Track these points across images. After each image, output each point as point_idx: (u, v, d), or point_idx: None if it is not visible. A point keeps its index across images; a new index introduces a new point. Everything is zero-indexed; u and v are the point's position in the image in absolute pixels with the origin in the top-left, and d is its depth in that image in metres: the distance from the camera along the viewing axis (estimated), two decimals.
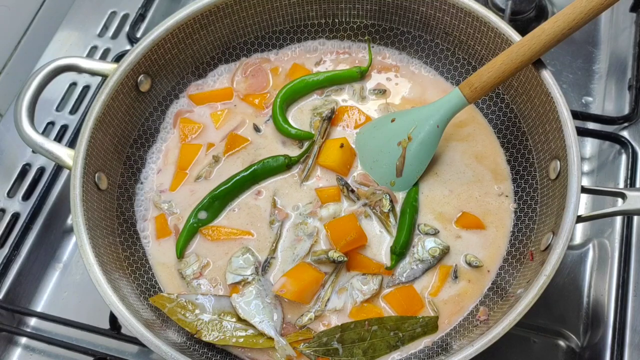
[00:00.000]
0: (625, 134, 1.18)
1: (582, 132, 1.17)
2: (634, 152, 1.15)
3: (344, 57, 1.19)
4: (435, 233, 1.03)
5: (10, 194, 1.21)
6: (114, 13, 1.41)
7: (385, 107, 1.14)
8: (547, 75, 0.96)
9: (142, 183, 1.10)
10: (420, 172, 1.06)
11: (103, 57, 1.35)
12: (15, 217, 1.18)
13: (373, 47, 1.18)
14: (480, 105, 1.13)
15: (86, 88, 1.32)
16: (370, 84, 1.17)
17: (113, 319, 1.04)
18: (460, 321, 0.97)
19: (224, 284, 1.01)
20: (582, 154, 1.20)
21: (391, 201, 1.04)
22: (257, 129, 1.13)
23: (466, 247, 1.02)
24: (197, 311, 0.96)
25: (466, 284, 1.00)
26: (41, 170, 1.22)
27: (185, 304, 0.97)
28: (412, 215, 1.03)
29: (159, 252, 1.05)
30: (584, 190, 0.91)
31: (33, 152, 1.23)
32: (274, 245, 1.03)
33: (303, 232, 1.03)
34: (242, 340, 0.95)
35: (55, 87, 1.27)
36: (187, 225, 1.04)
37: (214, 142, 1.13)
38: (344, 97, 1.16)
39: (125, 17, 1.40)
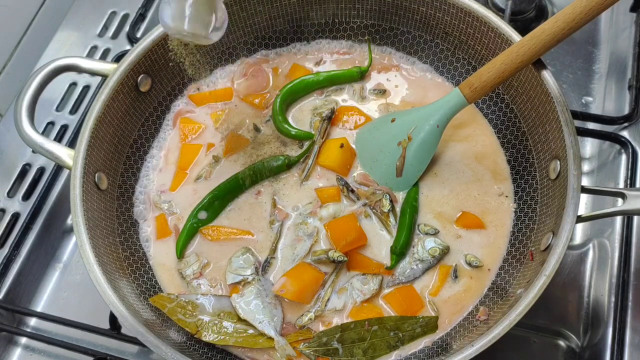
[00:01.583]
0: (625, 134, 1.18)
1: (582, 132, 1.17)
2: (634, 152, 1.15)
3: (344, 57, 1.19)
4: (435, 233, 1.03)
5: (10, 194, 1.21)
6: (114, 13, 1.41)
7: (385, 107, 1.14)
8: (547, 75, 0.96)
9: (142, 183, 1.10)
10: (420, 172, 1.06)
11: (103, 57, 1.35)
12: (15, 217, 1.18)
13: (373, 47, 1.18)
14: (480, 105, 1.14)
15: (86, 88, 1.32)
16: (370, 84, 1.17)
17: (113, 319, 1.04)
18: (460, 321, 0.98)
19: (224, 284, 1.01)
20: (582, 154, 1.20)
21: (391, 201, 1.04)
22: (257, 129, 1.13)
23: (466, 247, 1.02)
24: (197, 311, 0.96)
25: (466, 284, 1.00)
26: (41, 170, 1.22)
27: (185, 304, 0.97)
28: (412, 215, 1.03)
29: (159, 252, 1.05)
30: (584, 190, 0.91)
31: (33, 152, 1.23)
32: (274, 245, 1.03)
33: (303, 232, 1.03)
34: (242, 340, 0.95)
35: (55, 87, 1.27)
36: (187, 225, 1.04)
37: (214, 142, 1.13)
38: (344, 97, 1.16)
39: (125, 17, 1.40)
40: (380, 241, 1.03)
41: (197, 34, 0.91)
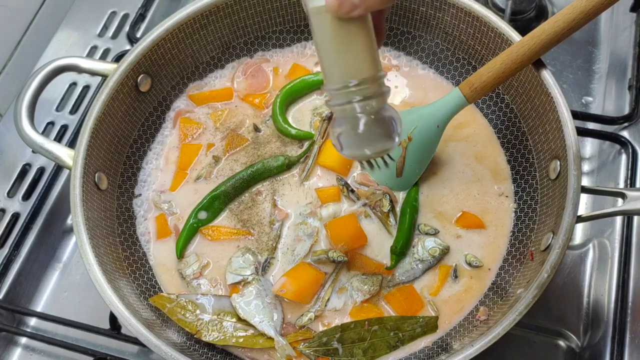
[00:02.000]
0: (625, 134, 1.18)
1: (582, 132, 1.17)
2: (634, 152, 1.15)
3: None
4: (435, 233, 1.03)
5: (10, 194, 1.20)
6: (114, 13, 1.41)
7: None
8: (547, 75, 0.96)
9: (142, 183, 1.10)
10: (420, 172, 1.06)
11: (103, 57, 1.35)
12: (15, 217, 1.18)
13: None
14: (480, 105, 1.14)
15: (86, 88, 1.32)
16: None
17: (113, 319, 1.04)
18: (460, 321, 0.98)
19: (224, 284, 1.01)
20: (582, 154, 1.20)
21: (391, 201, 1.04)
22: (257, 129, 1.13)
23: (466, 247, 1.02)
24: (197, 311, 0.96)
25: (466, 284, 1.00)
26: (41, 170, 1.22)
27: (185, 304, 0.97)
28: (412, 215, 1.03)
29: (159, 252, 1.05)
30: (584, 190, 0.91)
31: (33, 152, 1.23)
32: (274, 245, 1.03)
33: (303, 232, 1.03)
34: (242, 340, 0.95)
35: (55, 87, 1.27)
36: (187, 225, 1.04)
37: (214, 142, 1.13)
38: None
39: (125, 17, 1.40)
40: (380, 241, 1.03)
41: (382, 151, 0.79)
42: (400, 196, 1.07)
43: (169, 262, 1.04)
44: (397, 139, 0.78)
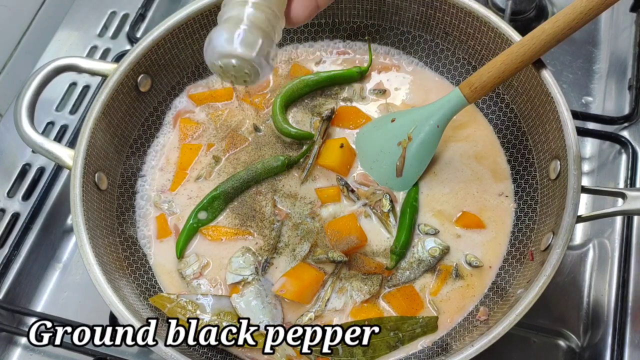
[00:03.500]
0: (625, 134, 1.18)
1: (582, 132, 1.17)
2: (634, 152, 1.15)
3: (344, 57, 1.19)
4: (435, 233, 1.03)
5: (10, 194, 1.20)
6: (114, 13, 1.41)
7: (385, 107, 1.14)
8: (547, 75, 0.96)
9: (142, 183, 1.10)
10: (420, 172, 1.06)
11: (103, 57, 1.35)
12: (15, 217, 1.18)
13: (373, 47, 1.18)
14: (480, 105, 1.14)
15: (86, 88, 1.32)
16: (370, 84, 1.17)
17: (113, 319, 1.04)
18: (461, 321, 0.98)
19: (224, 284, 1.01)
20: (582, 154, 1.20)
21: (391, 201, 1.04)
22: (257, 129, 1.13)
23: (466, 247, 1.02)
24: (197, 311, 0.96)
25: (466, 284, 1.00)
26: (41, 170, 1.22)
27: (185, 304, 0.97)
28: (412, 215, 1.03)
29: (159, 252, 1.05)
30: (584, 190, 0.92)
31: (33, 152, 1.23)
32: (274, 245, 1.03)
33: (303, 232, 1.03)
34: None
35: (55, 87, 1.26)
36: (187, 226, 1.04)
37: (214, 142, 1.13)
38: (344, 97, 1.16)
39: (125, 17, 1.40)
40: (380, 241, 1.03)
41: (242, 57, 0.76)
42: (400, 196, 1.07)
43: (169, 262, 1.04)
44: (254, 55, 0.76)
